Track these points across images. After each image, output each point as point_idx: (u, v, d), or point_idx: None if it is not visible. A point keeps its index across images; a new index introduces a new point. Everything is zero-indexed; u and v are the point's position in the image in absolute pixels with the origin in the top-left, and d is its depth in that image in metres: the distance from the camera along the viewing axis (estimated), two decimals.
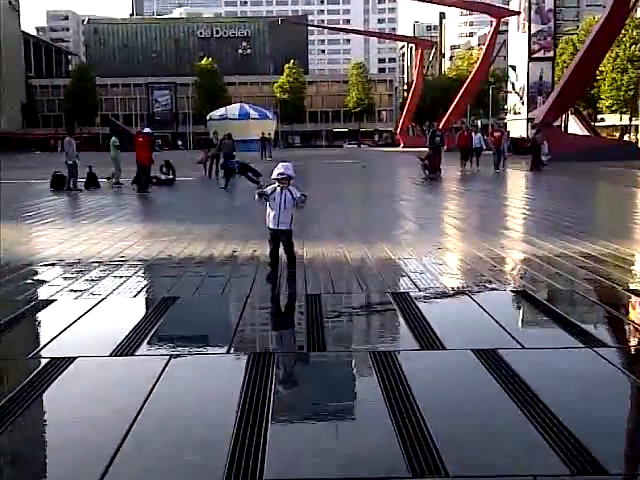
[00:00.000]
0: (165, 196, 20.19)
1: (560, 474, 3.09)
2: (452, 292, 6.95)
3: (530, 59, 66.22)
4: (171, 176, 24.10)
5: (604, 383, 4.37)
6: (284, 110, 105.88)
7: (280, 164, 7.43)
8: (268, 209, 7.49)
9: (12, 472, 3.31)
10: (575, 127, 49.33)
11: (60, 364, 4.64)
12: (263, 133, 49.19)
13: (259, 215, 8.40)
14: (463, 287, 7.08)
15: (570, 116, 51.39)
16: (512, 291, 6.93)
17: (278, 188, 7.34)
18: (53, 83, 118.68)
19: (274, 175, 7.38)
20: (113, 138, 24.10)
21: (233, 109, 78.92)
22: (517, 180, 26.60)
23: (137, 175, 21.23)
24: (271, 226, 7.50)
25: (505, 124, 62.35)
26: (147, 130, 23.28)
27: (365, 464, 3.23)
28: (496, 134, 31.02)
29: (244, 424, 3.63)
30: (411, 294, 6.61)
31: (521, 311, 6.56)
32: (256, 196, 7.54)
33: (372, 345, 5.25)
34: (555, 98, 39.16)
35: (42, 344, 5.28)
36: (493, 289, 6.94)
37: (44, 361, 4.77)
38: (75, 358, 4.77)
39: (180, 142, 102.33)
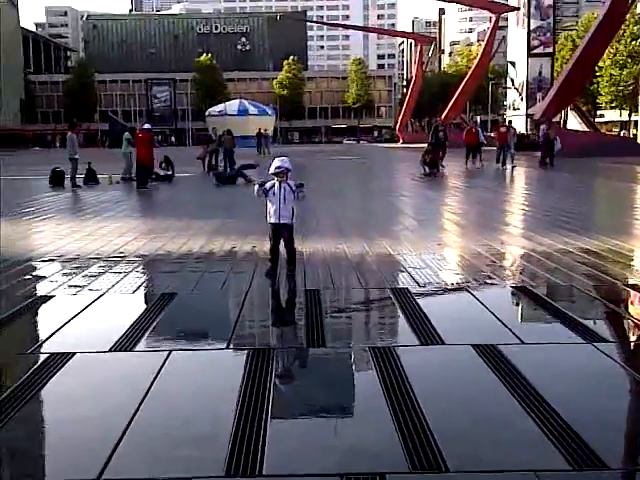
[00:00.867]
0: (164, 192, 20.16)
1: (561, 469, 3.09)
2: (451, 287, 6.94)
3: (529, 55, 66.17)
4: (170, 172, 24.07)
5: (604, 378, 4.36)
6: (283, 106, 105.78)
7: (276, 159, 7.40)
8: (269, 205, 7.44)
9: (11, 468, 3.31)
10: (574, 123, 49.28)
11: (59, 359, 4.64)
12: (260, 129, 49.26)
13: (258, 211, 8.39)
14: (462, 282, 7.07)
15: (569, 112, 51.33)
16: (512, 286, 6.92)
17: (277, 183, 7.31)
18: (52, 79, 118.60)
19: (271, 170, 7.33)
20: (126, 133, 23.93)
21: (232, 105, 78.83)
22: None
23: (138, 172, 21.21)
24: (273, 220, 7.44)
25: (510, 121, 62.15)
26: (147, 126, 23.15)
27: (365, 459, 3.22)
28: (501, 129, 30.47)
29: (244, 419, 3.62)
30: (410, 289, 6.60)
31: (521, 306, 6.56)
32: (256, 186, 7.50)
33: (372, 340, 5.25)
34: (554, 94, 39.09)
35: (41, 340, 5.27)
36: (493, 284, 6.94)
37: (43, 357, 4.77)
38: (74, 354, 4.76)
39: (173, 139, 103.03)
